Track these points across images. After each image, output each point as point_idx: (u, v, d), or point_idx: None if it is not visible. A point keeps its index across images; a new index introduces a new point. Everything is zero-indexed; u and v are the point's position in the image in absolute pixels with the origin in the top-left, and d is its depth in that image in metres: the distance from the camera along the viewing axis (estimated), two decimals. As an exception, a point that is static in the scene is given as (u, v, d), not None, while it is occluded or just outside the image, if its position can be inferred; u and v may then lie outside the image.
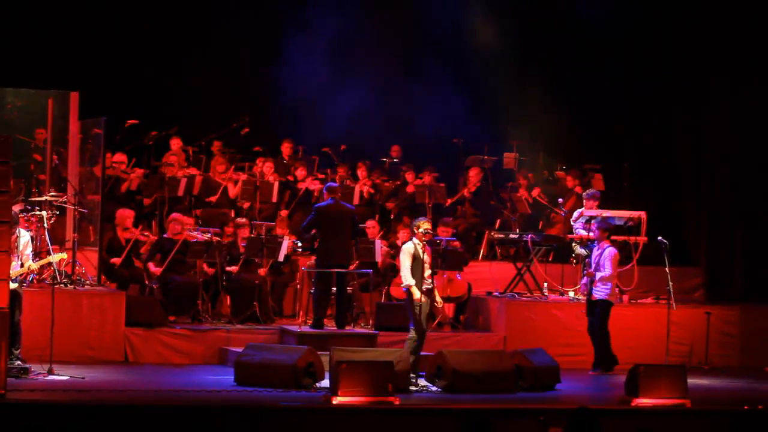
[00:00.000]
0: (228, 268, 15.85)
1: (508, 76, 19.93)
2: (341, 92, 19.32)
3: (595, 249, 15.16)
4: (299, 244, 16.43)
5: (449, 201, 18.72)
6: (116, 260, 15.65)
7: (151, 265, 15.61)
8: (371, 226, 16.89)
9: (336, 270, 14.76)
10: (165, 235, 15.93)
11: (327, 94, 19.40)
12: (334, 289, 15.04)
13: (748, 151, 18.22)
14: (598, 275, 14.88)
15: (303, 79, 19.32)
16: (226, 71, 19.82)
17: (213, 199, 17.80)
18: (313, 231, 14.98)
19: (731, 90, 18.29)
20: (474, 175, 18.82)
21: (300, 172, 18.53)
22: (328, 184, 15.64)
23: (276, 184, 17.86)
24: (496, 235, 17.70)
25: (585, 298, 15.16)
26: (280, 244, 15.79)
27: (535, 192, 18.71)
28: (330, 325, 15.06)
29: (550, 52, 19.96)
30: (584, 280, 15.31)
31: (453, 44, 20.39)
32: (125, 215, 15.97)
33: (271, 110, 19.56)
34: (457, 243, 16.46)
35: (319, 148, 19.64)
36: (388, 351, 13.25)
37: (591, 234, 16.15)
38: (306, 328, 14.90)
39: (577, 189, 18.33)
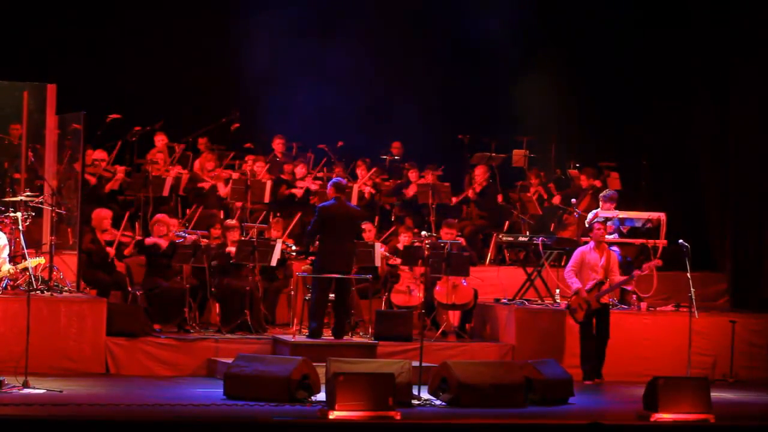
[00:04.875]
0: (228, 249, 15.86)
1: (518, 67, 20.00)
2: (339, 88, 19.51)
3: (596, 252, 15.32)
4: (293, 248, 16.45)
5: (454, 200, 18.74)
6: (110, 250, 15.66)
7: (152, 239, 15.59)
8: (368, 228, 16.91)
9: (336, 276, 14.77)
10: (151, 237, 15.97)
11: (320, 87, 19.56)
12: (332, 296, 15.07)
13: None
14: (621, 281, 15.20)
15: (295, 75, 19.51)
16: (214, 62, 19.89)
17: (204, 185, 17.80)
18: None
19: (759, 80, 18.29)
20: (480, 174, 18.84)
21: (300, 170, 18.54)
22: (335, 179, 15.34)
23: (269, 183, 17.89)
24: (504, 238, 17.74)
25: (595, 304, 15.25)
26: (273, 247, 15.80)
27: (556, 200, 18.72)
28: (327, 335, 15.10)
29: (561, 40, 20.01)
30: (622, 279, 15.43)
31: (456, 32, 20.50)
32: (102, 216, 15.96)
33: (261, 104, 19.62)
34: (463, 245, 16.48)
35: (314, 144, 19.72)
36: (389, 362, 13.26)
37: (609, 236, 16.26)
38: (301, 338, 14.93)
39: (591, 190, 18.33)
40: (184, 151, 19.11)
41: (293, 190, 18.36)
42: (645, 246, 16.52)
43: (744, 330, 16.37)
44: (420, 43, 20.53)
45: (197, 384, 14.09)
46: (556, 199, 18.74)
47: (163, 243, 15.59)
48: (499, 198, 19.08)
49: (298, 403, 12.68)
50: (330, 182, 15.37)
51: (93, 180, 17.43)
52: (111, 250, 15.69)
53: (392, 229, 18.17)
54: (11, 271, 13.19)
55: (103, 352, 14.67)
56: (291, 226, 17.27)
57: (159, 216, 16.16)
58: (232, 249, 15.90)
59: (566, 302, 15.67)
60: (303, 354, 13.64)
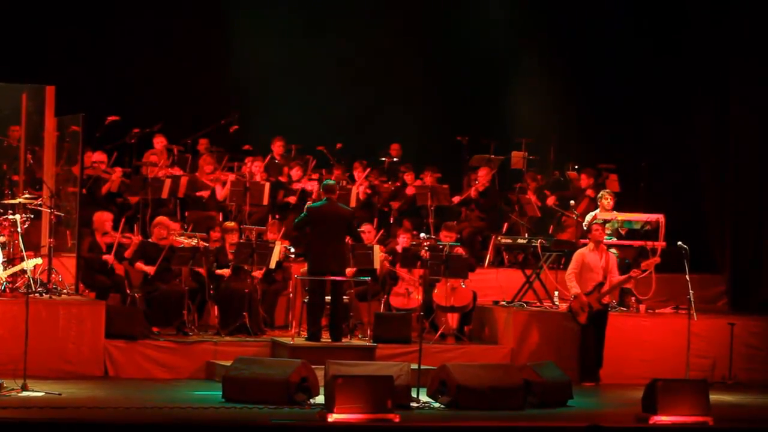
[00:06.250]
0: (218, 272, 15.91)
1: (517, 68, 20.02)
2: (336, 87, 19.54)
3: (596, 252, 15.44)
4: (292, 250, 16.48)
5: (458, 198, 18.74)
6: (108, 257, 15.68)
7: (141, 264, 15.62)
8: (368, 230, 16.94)
9: (331, 278, 14.84)
10: (149, 240, 15.98)
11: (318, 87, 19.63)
12: (328, 298, 15.12)
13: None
14: (620, 281, 15.41)
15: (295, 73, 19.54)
16: (213, 64, 19.92)
17: (203, 194, 17.83)
18: (308, 231, 15.05)
19: (758, 82, 18.30)
20: (483, 175, 18.84)
21: (296, 172, 18.58)
22: (325, 182, 15.63)
23: (267, 185, 17.92)
24: (503, 240, 17.74)
25: (596, 305, 15.36)
26: (272, 249, 15.83)
27: (550, 201, 18.74)
28: (325, 337, 15.14)
29: (561, 41, 20.03)
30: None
31: (455, 33, 20.54)
32: (104, 218, 15.98)
33: (260, 106, 19.66)
34: (461, 248, 16.51)
35: (313, 146, 19.75)
36: (388, 365, 13.29)
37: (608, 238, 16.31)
38: (299, 340, 14.96)
39: (589, 192, 18.36)
40: (183, 153, 19.13)
41: (289, 198, 18.35)
42: (644, 248, 16.55)
43: (743, 332, 16.37)
44: (419, 44, 20.56)
45: (196, 386, 14.10)
46: (550, 200, 18.72)
47: (151, 270, 15.55)
48: (498, 204, 19.09)
49: (296, 406, 12.70)
50: (321, 185, 15.46)
51: (90, 182, 17.44)
52: (109, 258, 15.67)
53: (375, 221, 18.15)
54: (2, 276, 13.25)
55: (102, 355, 14.67)
56: (284, 229, 17.30)
57: (160, 219, 16.17)
58: (225, 271, 15.91)
59: (567, 305, 15.72)
60: (302, 356, 13.67)
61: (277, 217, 17.78)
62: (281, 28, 20.19)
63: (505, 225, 18.88)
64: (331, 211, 14.99)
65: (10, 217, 14.88)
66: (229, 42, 19.86)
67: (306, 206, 15.56)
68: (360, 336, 15.72)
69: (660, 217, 16.80)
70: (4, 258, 14.69)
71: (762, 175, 18.36)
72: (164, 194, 17.63)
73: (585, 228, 16.46)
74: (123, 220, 16.43)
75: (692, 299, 15.14)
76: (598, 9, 19.92)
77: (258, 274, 15.83)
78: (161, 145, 18.81)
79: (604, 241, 15.89)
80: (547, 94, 19.74)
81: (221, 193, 18.04)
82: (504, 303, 16.71)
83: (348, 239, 15.43)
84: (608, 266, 15.44)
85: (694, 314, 15.19)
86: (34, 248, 15.45)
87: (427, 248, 15.85)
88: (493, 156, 19.57)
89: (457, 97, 20.71)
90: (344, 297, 15.39)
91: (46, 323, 14.36)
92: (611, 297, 15.85)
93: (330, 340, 15.01)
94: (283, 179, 18.67)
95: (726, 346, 16.03)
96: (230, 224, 16.68)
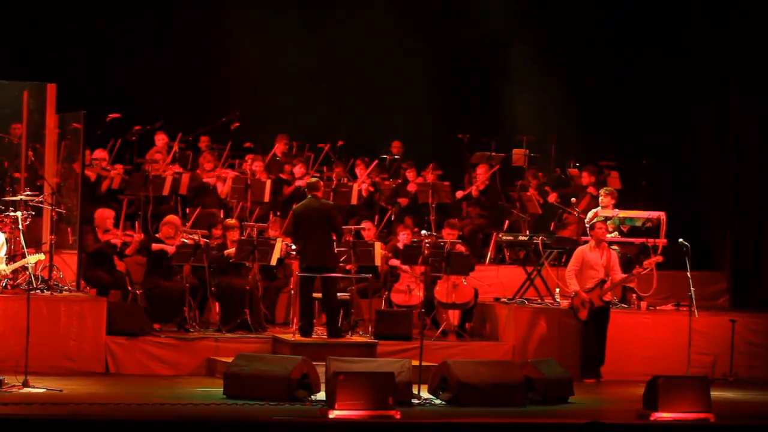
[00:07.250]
0: (227, 252, 15.85)
1: (517, 65, 20.00)
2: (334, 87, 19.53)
3: (596, 251, 15.37)
4: (293, 247, 16.44)
5: (460, 193, 18.70)
6: (117, 241, 15.65)
7: (159, 243, 15.55)
8: (368, 227, 16.91)
9: (325, 275, 14.80)
10: (156, 235, 15.93)
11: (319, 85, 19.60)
12: (318, 295, 15.09)
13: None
14: (622, 279, 15.36)
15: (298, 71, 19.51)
16: (214, 62, 19.89)
17: (204, 199, 17.81)
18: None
19: (758, 82, 18.28)
20: (482, 173, 18.81)
21: (298, 169, 18.55)
22: (309, 181, 15.61)
23: (268, 182, 17.88)
24: (504, 237, 17.71)
25: (597, 302, 15.32)
26: (273, 246, 15.80)
27: (552, 197, 18.70)
28: (322, 333, 15.10)
29: (561, 40, 20.00)
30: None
31: (456, 31, 20.51)
32: (105, 215, 15.96)
33: (261, 104, 19.62)
34: (461, 246, 16.46)
35: (315, 143, 19.72)
36: (389, 361, 13.27)
37: (609, 235, 16.27)
38: (300, 337, 14.93)
39: (591, 189, 18.31)
40: (184, 150, 19.09)
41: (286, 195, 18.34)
42: (645, 245, 16.51)
43: (744, 329, 16.35)
44: (421, 42, 20.53)
45: (197, 383, 14.08)
46: (552, 197, 18.68)
47: (171, 249, 15.54)
48: (500, 202, 19.05)
49: (297, 403, 12.68)
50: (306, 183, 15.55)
51: (93, 177, 17.41)
52: (117, 242, 15.66)
53: (376, 219, 18.11)
54: (5, 271, 13.20)
55: (103, 352, 14.66)
56: (285, 225, 17.26)
57: (170, 217, 16.09)
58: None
59: (568, 302, 15.68)
60: (303, 353, 13.64)
61: (278, 214, 17.74)
62: (282, 26, 20.15)
63: (507, 222, 18.84)
64: (312, 207, 14.99)
65: (12, 214, 14.83)
66: (229, 40, 19.80)
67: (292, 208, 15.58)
68: (361, 333, 15.68)
69: (661, 215, 16.77)
70: (5, 255, 14.65)
71: (762, 174, 18.33)
72: (165, 191, 17.59)
73: (587, 225, 16.40)
74: (122, 216, 16.37)
75: (693, 296, 15.09)
76: (598, 8, 19.88)
77: (242, 281, 15.76)
78: (162, 142, 18.78)
79: (606, 238, 15.84)
80: (547, 92, 19.70)
81: (223, 190, 18.00)
82: (505, 300, 16.68)
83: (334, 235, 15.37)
84: (609, 263, 15.41)
85: (695, 311, 15.14)
86: (35, 245, 15.44)
87: (428, 245, 15.81)
88: (494, 153, 19.54)
89: (458, 94, 20.69)
90: (338, 293, 15.29)
91: (48, 320, 14.35)
92: (613, 294, 15.81)
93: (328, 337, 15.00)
94: (284, 176, 18.63)
95: (727, 343, 16.00)
96: (231, 221, 16.65)
